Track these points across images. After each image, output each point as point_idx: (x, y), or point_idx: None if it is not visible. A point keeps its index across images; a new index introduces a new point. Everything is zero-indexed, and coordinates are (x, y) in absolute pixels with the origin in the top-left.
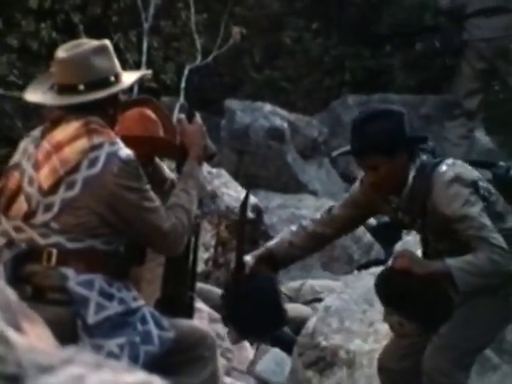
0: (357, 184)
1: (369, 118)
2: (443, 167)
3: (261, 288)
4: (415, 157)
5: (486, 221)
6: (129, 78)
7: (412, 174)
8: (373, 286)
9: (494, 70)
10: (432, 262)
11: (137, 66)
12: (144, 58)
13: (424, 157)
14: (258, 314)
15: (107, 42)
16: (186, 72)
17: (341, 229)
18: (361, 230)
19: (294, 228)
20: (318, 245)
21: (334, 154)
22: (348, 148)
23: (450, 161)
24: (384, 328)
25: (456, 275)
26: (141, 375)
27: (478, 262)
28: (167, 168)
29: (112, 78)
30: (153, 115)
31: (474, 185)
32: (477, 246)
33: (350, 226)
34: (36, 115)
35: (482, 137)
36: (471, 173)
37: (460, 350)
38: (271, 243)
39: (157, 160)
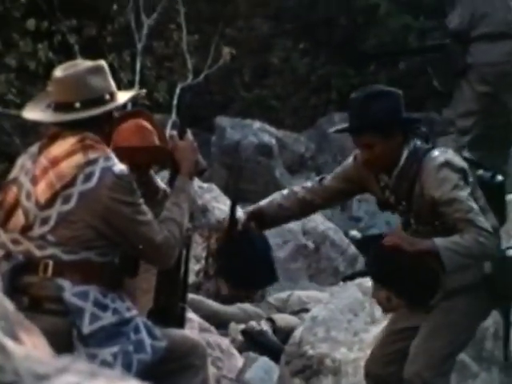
0: (350, 159)
1: (368, 98)
2: (435, 152)
3: (253, 244)
4: (409, 139)
5: (474, 204)
6: (123, 96)
7: (405, 155)
8: (358, 297)
9: (496, 93)
10: (421, 240)
11: (130, 85)
12: (137, 77)
13: (418, 142)
14: (250, 269)
15: (103, 62)
16: (177, 90)
17: (329, 199)
18: (346, 242)
19: (285, 192)
20: (304, 211)
21: (332, 130)
22: (345, 125)
23: (442, 148)
24: (368, 337)
25: (443, 254)
26: (134, 383)
27: (465, 243)
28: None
29: (107, 97)
30: (149, 125)
31: (463, 172)
32: (464, 228)
33: (338, 199)
34: (34, 132)
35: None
36: (461, 161)
37: (441, 355)
38: (263, 203)
39: (151, 171)
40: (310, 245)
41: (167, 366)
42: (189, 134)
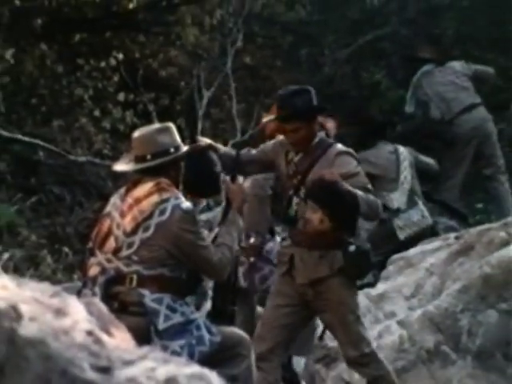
0: (271, 142)
1: (292, 94)
2: (339, 145)
3: (202, 160)
4: (318, 129)
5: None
6: (185, 148)
7: (316, 140)
8: (365, 302)
9: (479, 151)
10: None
11: (193, 143)
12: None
13: (323, 134)
14: (196, 179)
15: (170, 124)
16: (229, 146)
17: (248, 161)
18: None
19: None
20: (235, 165)
21: (266, 120)
22: (274, 116)
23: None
24: (373, 333)
25: (360, 199)
26: (196, 368)
27: (370, 198)
28: None
29: (172, 150)
30: None
31: (358, 160)
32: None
33: (255, 165)
34: (122, 178)
35: None
36: (355, 154)
37: (359, 331)
38: (223, 146)
39: None
40: None
41: (220, 355)
42: (238, 179)
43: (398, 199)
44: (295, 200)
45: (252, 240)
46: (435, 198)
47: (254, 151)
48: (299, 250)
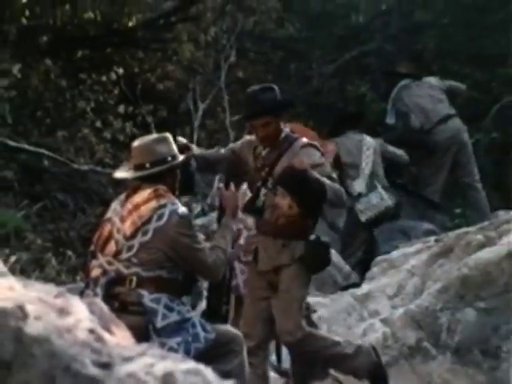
0: (240, 141)
1: (259, 91)
2: (304, 139)
3: (185, 166)
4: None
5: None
6: (181, 157)
7: (283, 135)
8: (350, 301)
9: (456, 160)
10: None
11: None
12: (194, 146)
13: (287, 130)
14: (183, 180)
15: (167, 134)
16: None
17: (218, 160)
18: (342, 262)
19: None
20: (206, 164)
21: (234, 118)
22: (243, 115)
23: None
24: (358, 330)
25: (328, 186)
26: (192, 364)
27: (335, 186)
28: None
29: (169, 158)
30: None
31: (322, 152)
32: None
33: (223, 163)
34: (122, 185)
35: None
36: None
37: (298, 318)
38: (200, 150)
39: None
40: None
41: (215, 351)
42: (232, 186)
43: (359, 185)
44: (263, 191)
45: None
46: (409, 188)
47: (222, 150)
48: (264, 239)
